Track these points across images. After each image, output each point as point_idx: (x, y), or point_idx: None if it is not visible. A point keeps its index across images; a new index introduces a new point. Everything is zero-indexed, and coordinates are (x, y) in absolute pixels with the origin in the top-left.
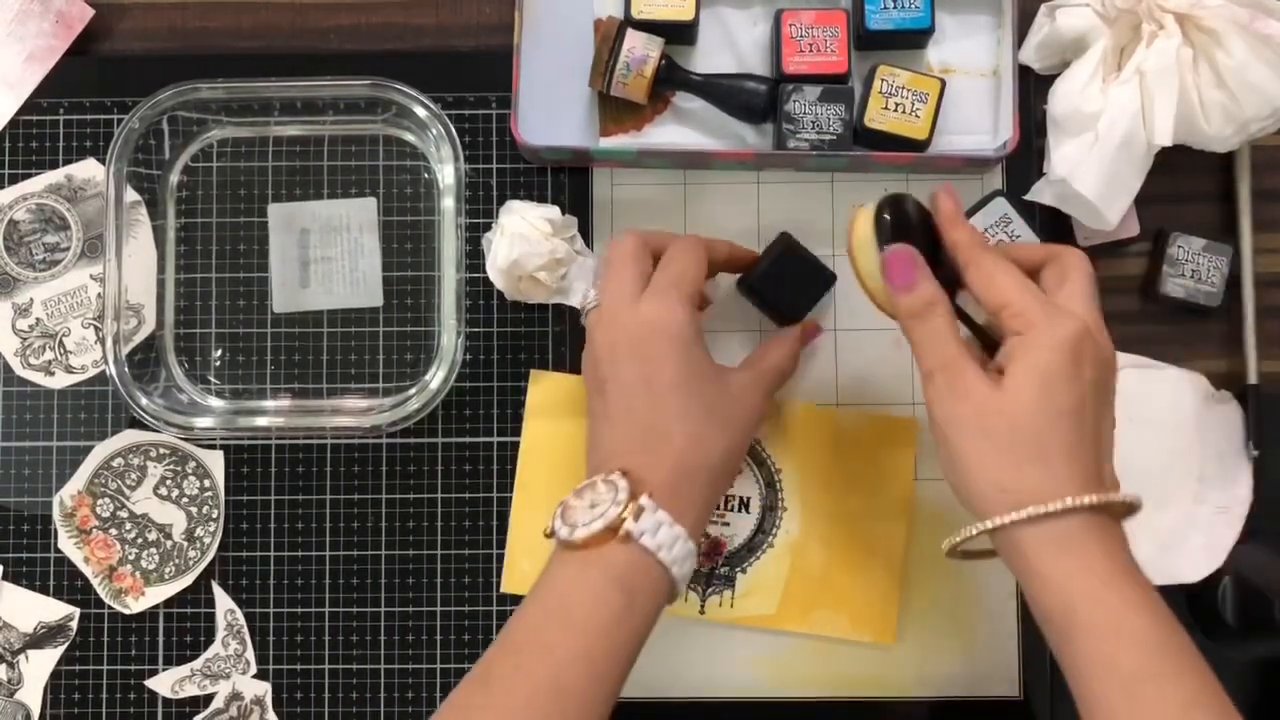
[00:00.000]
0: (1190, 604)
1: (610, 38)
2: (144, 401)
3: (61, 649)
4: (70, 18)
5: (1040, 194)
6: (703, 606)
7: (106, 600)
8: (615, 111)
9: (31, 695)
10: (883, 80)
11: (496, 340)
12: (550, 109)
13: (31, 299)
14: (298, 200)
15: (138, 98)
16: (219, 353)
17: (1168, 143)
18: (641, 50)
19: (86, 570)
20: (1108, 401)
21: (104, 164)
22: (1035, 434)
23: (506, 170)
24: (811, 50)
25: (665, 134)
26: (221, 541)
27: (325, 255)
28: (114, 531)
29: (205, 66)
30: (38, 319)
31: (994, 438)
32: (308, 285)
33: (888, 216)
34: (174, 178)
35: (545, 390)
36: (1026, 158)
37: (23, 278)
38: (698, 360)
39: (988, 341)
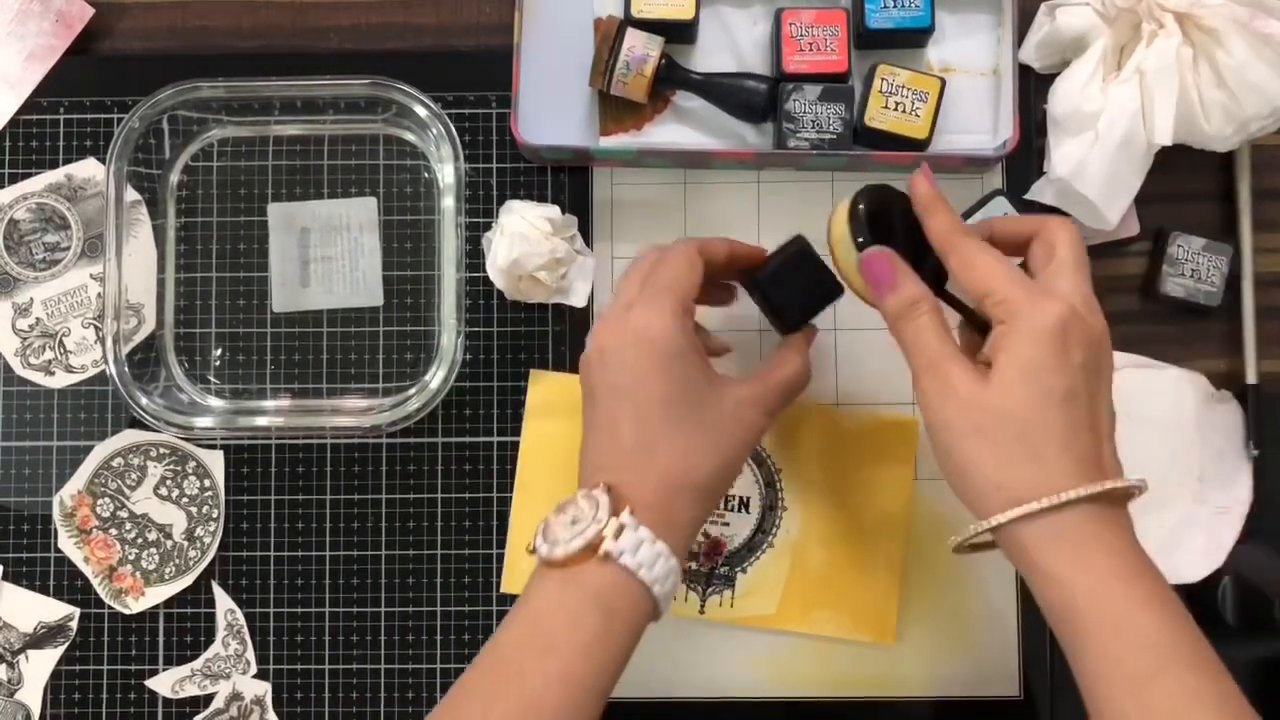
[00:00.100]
0: (1190, 604)
1: (610, 37)
2: (144, 401)
3: (61, 649)
4: (70, 17)
5: (1040, 193)
6: (703, 606)
7: (106, 600)
8: (615, 111)
9: (31, 695)
10: (883, 79)
11: (496, 340)
12: (550, 108)
13: (31, 298)
14: (298, 200)
15: (138, 97)
16: (219, 352)
17: (1168, 142)
18: (641, 49)
19: (86, 570)
20: (1102, 381)
21: (104, 163)
22: (1025, 428)
23: (506, 170)
24: (811, 49)
25: (665, 133)
26: (221, 541)
27: (325, 255)
28: (114, 531)
29: (205, 66)
30: (38, 318)
31: (984, 435)
32: (308, 285)
33: (862, 211)
34: (174, 177)
35: (545, 390)
36: (1026, 157)
37: (23, 277)
38: (687, 372)
39: (983, 325)
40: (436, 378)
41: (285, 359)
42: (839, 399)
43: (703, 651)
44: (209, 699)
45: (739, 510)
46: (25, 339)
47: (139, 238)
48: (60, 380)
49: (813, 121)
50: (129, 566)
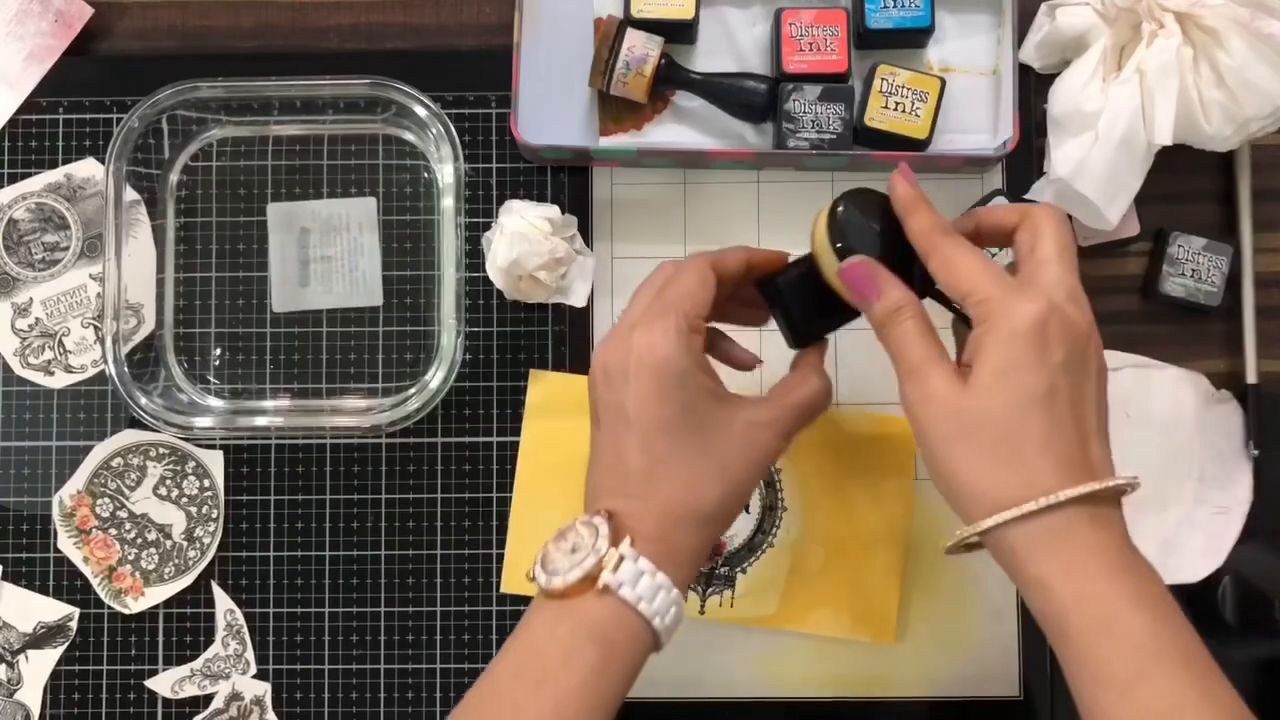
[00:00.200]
0: (1190, 604)
1: (610, 37)
2: (143, 401)
3: (61, 649)
4: (70, 17)
5: (1040, 193)
6: (703, 606)
7: (106, 600)
8: (615, 111)
9: (31, 695)
10: (883, 79)
11: (496, 340)
12: (550, 108)
13: (31, 298)
14: (297, 200)
15: (137, 97)
16: (218, 352)
17: (1168, 142)
18: (641, 49)
19: (86, 570)
20: (1087, 376)
21: (103, 163)
22: (1005, 432)
23: (506, 170)
24: (811, 49)
25: (665, 133)
26: (221, 541)
27: (325, 255)
28: (114, 531)
29: (205, 66)
30: (37, 318)
31: (965, 441)
32: (307, 285)
33: (841, 218)
34: (173, 177)
35: (545, 390)
36: (1026, 157)
37: (22, 277)
38: (691, 395)
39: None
40: (436, 378)
41: (285, 359)
42: (839, 399)
43: (703, 651)
44: (209, 699)
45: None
46: (25, 339)
47: (138, 238)
48: (60, 380)
49: (813, 121)
50: (128, 566)
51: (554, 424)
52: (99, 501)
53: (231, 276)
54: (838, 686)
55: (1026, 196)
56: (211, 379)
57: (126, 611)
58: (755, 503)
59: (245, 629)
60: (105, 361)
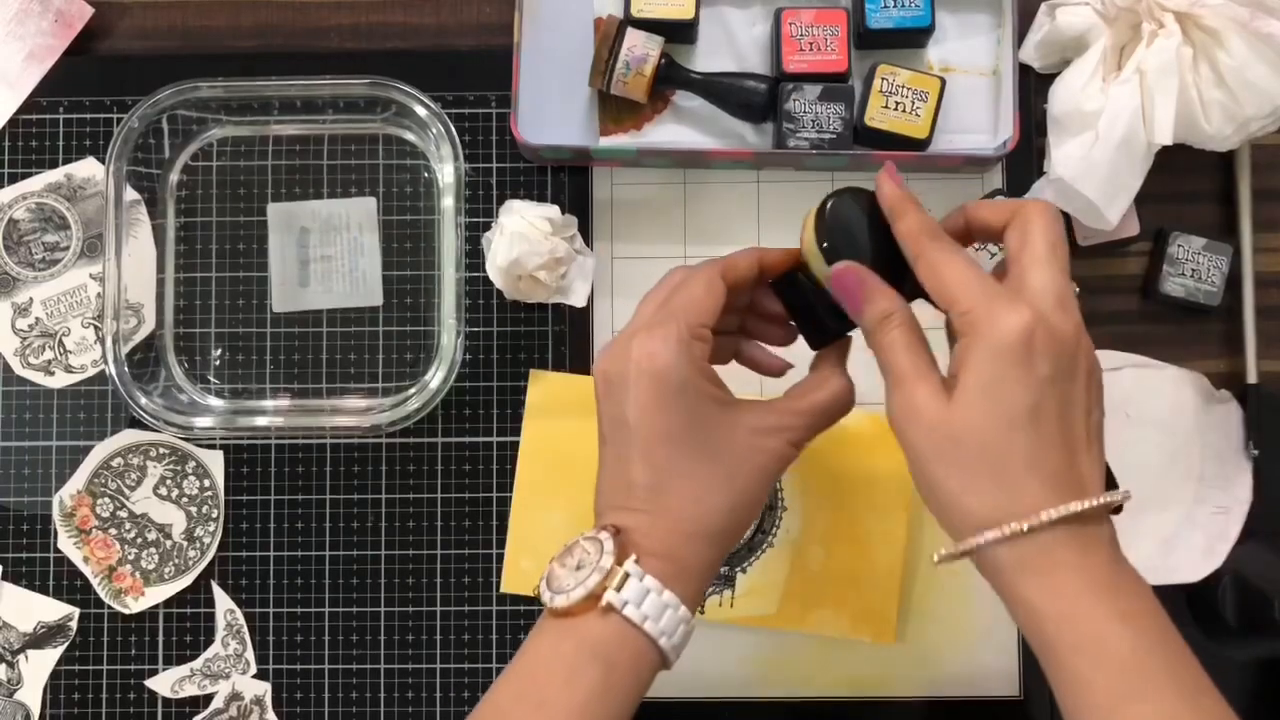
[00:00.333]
0: (1190, 604)
1: (610, 37)
2: (144, 401)
3: (61, 649)
4: (70, 16)
5: (1040, 193)
6: (703, 606)
7: (106, 600)
8: (615, 110)
9: (31, 695)
10: (883, 79)
11: (496, 340)
12: (550, 108)
13: (31, 298)
14: (297, 199)
15: (137, 96)
16: (219, 352)
17: (1168, 142)
18: (641, 49)
19: (86, 570)
20: (1075, 387)
21: (103, 163)
22: (988, 451)
23: (506, 169)
24: (811, 49)
25: (665, 133)
26: (221, 541)
27: (325, 254)
28: (114, 531)
29: (205, 65)
30: (37, 318)
31: (948, 459)
32: (307, 285)
33: (828, 221)
34: (174, 177)
35: (545, 390)
36: (1026, 157)
37: (22, 277)
38: (693, 404)
39: None
40: (436, 378)
41: (285, 359)
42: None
43: (703, 651)
44: (208, 699)
45: None
46: (25, 339)
47: (138, 237)
48: (60, 380)
49: (813, 121)
50: (128, 566)
51: (554, 424)
52: (99, 501)
53: (231, 276)
54: (837, 686)
55: (1027, 196)
56: (211, 379)
57: (126, 611)
58: None
59: (245, 629)
60: (105, 361)
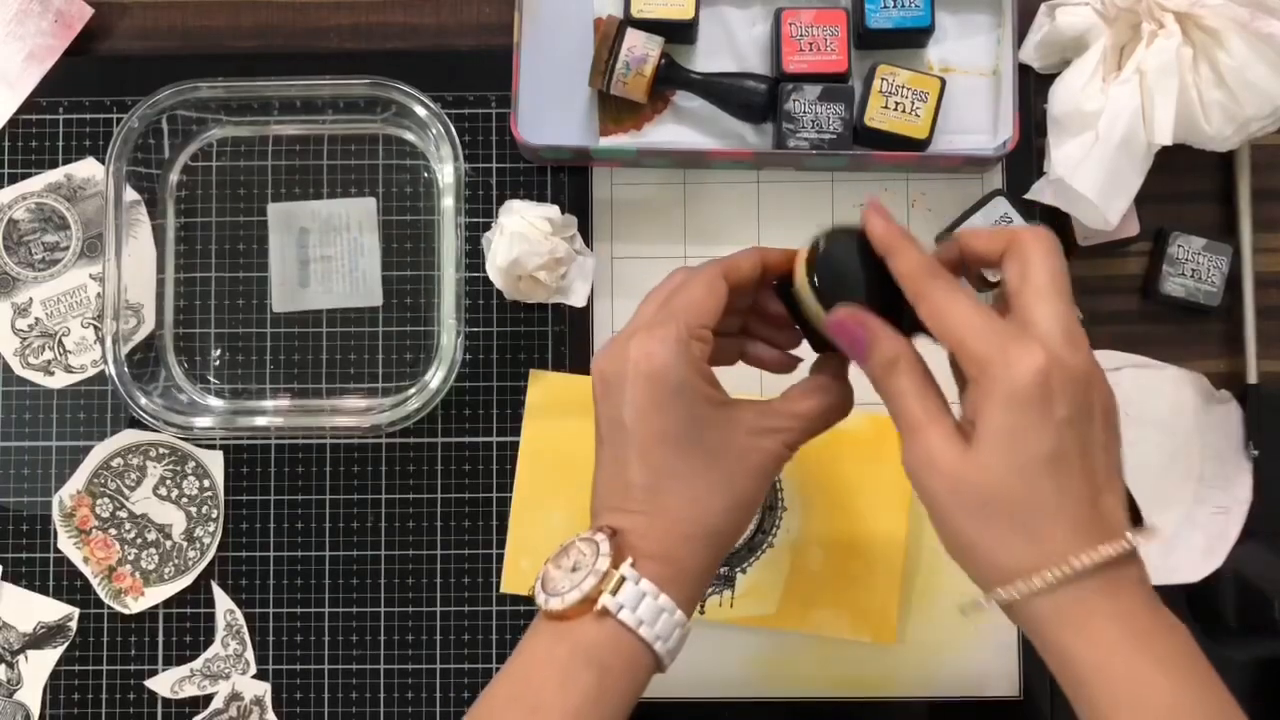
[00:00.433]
0: (1190, 604)
1: (610, 37)
2: (143, 401)
3: (61, 649)
4: (69, 17)
5: (1040, 193)
6: (703, 606)
7: (106, 600)
8: (615, 111)
9: (31, 695)
10: (883, 79)
11: (496, 340)
12: (550, 108)
13: (31, 298)
14: (297, 200)
15: (137, 97)
16: (218, 352)
17: (1168, 142)
18: (641, 49)
19: (86, 570)
20: (1094, 426)
21: (103, 163)
22: (1013, 500)
23: (506, 170)
24: (811, 49)
25: (665, 133)
26: (221, 541)
27: (325, 255)
28: (113, 531)
29: (205, 66)
30: (37, 318)
31: (971, 510)
32: (307, 285)
33: (820, 264)
34: (173, 177)
35: (545, 390)
36: (1026, 157)
37: (22, 277)
38: (691, 406)
39: None
40: (436, 378)
41: (285, 359)
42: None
43: (703, 651)
44: (208, 699)
45: None
46: (25, 339)
47: (138, 238)
48: (60, 380)
49: (813, 121)
50: (128, 566)
51: (554, 424)
52: (99, 501)
53: (231, 276)
54: (838, 686)
55: (1027, 196)
56: (211, 379)
57: (126, 611)
58: None
59: (245, 629)
60: (105, 361)
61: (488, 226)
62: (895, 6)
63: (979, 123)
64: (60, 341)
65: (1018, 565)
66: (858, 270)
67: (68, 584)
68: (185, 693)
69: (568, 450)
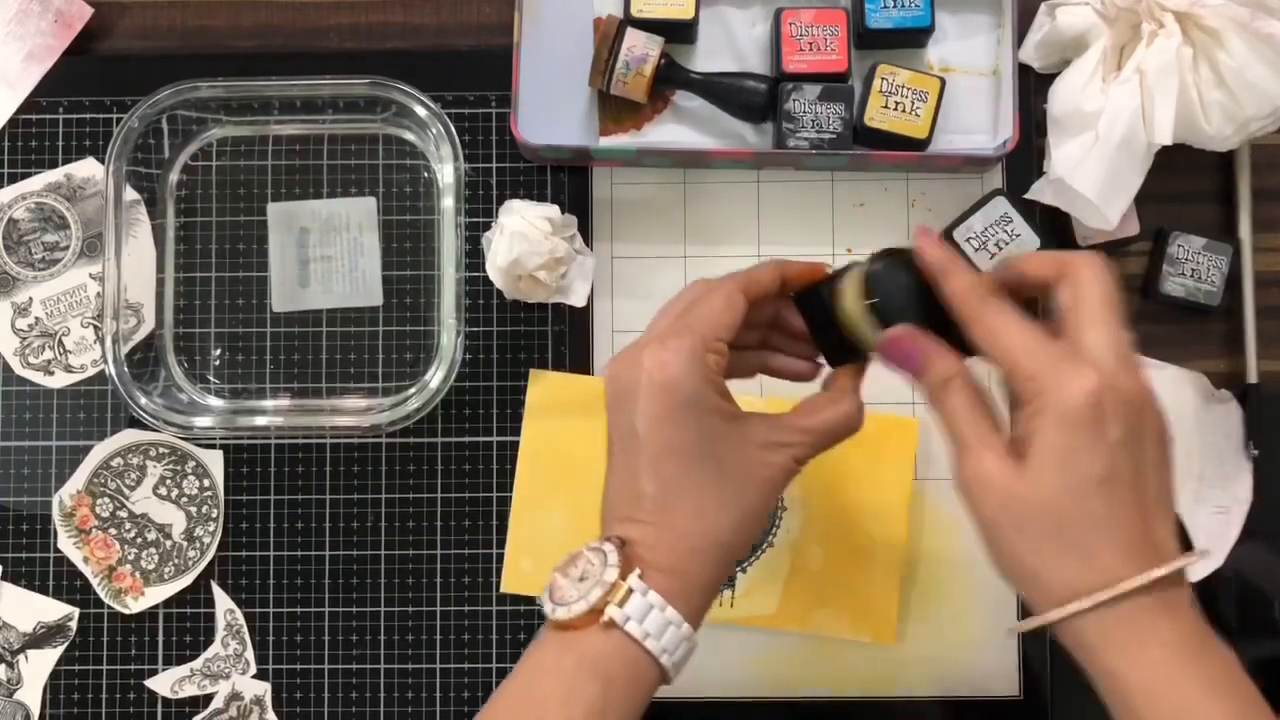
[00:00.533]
0: None
1: (610, 36)
2: (143, 401)
3: (61, 649)
4: (69, 16)
5: (1040, 193)
6: None
7: (106, 600)
8: (615, 110)
9: (31, 695)
10: (883, 79)
11: (496, 340)
12: (550, 108)
13: (31, 298)
14: (297, 199)
15: (137, 96)
16: (218, 352)
17: (1168, 142)
18: (641, 49)
19: (86, 570)
20: (1146, 447)
21: (103, 163)
22: (1066, 520)
23: (506, 169)
24: (811, 49)
25: (665, 133)
26: (221, 541)
27: (325, 254)
28: (113, 531)
29: (205, 65)
30: (37, 318)
31: (1023, 530)
32: (307, 285)
33: (874, 286)
34: (173, 177)
35: (545, 390)
36: (1026, 157)
37: (22, 277)
38: (703, 417)
39: None
40: (436, 377)
41: (285, 359)
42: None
43: (703, 651)
44: (208, 699)
45: None
46: (24, 339)
47: (138, 237)
48: (60, 380)
49: (812, 121)
50: (128, 566)
51: (554, 424)
52: (99, 501)
53: (231, 276)
54: (838, 686)
55: (1027, 196)
56: (211, 379)
57: (126, 611)
58: None
59: (245, 629)
60: (105, 361)
61: (488, 226)
62: (895, 6)
63: (979, 123)
64: (60, 341)
65: (1067, 584)
66: (910, 295)
67: (68, 584)
68: (185, 692)
69: (568, 450)
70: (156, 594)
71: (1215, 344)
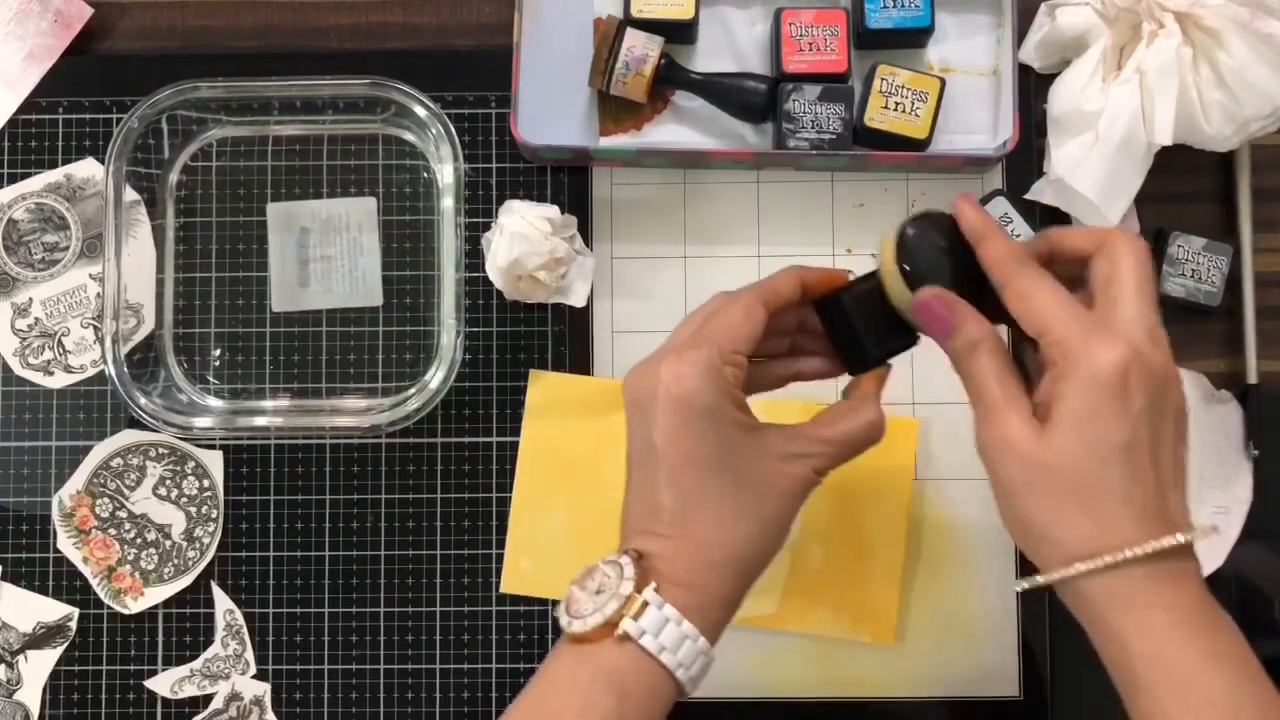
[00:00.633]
0: None
1: (610, 37)
2: (143, 401)
3: (61, 649)
4: (69, 16)
5: (1040, 193)
6: None
7: (106, 600)
8: (615, 111)
9: (31, 695)
10: (882, 79)
11: (496, 340)
12: (550, 108)
13: (30, 298)
14: (297, 199)
15: (137, 97)
16: (218, 352)
17: (1168, 142)
18: (641, 49)
19: (85, 570)
20: (1166, 421)
21: (103, 163)
22: (1082, 483)
23: (506, 170)
24: (811, 49)
25: (665, 133)
26: (221, 541)
27: (324, 255)
28: (113, 531)
29: (205, 66)
30: (37, 318)
31: (1043, 489)
32: (307, 285)
33: (910, 246)
34: (173, 177)
35: (544, 390)
36: (1026, 157)
37: (22, 277)
38: (721, 429)
39: None
40: (436, 378)
41: (284, 359)
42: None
43: None
44: (208, 699)
45: None
46: (24, 339)
47: (138, 238)
48: (59, 380)
49: (812, 121)
50: (128, 566)
51: (554, 424)
52: (99, 501)
53: (231, 276)
54: (838, 686)
55: (1027, 196)
56: (211, 379)
57: (126, 611)
58: None
59: (245, 629)
60: (105, 361)
61: (488, 226)
62: (895, 6)
63: (979, 123)
64: (60, 341)
65: (1080, 546)
66: (945, 258)
67: (67, 584)
68: (185, 693)
69: (567, 450)
70: (156, 594)
71: (1215, 344)
